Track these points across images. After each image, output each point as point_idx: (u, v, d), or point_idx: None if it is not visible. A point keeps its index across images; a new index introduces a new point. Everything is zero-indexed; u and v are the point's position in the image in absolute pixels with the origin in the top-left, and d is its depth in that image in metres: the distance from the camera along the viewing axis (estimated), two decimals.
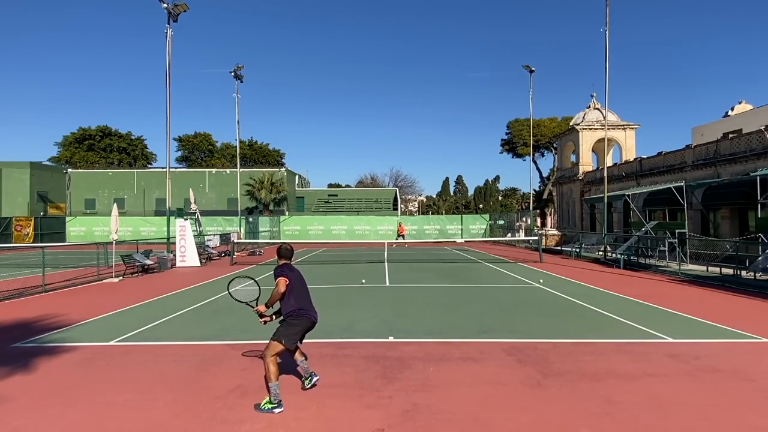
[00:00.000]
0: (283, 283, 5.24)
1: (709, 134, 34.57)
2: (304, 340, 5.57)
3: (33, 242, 35.66)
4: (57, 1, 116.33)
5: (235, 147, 43.57)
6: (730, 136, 25.24)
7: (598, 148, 40.82)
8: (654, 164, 30.07)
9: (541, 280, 15.18)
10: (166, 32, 21.78)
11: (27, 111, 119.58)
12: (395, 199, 59.85)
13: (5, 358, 6.98)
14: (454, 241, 36.91)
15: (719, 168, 23.76)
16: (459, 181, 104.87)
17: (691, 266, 17.60)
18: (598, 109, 41.02)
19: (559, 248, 30.16)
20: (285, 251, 5.58)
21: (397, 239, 36.00)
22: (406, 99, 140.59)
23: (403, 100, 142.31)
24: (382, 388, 5.63)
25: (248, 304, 5.57)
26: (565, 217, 45.66)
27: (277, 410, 4.93)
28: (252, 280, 5.92)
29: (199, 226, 26.95)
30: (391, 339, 7.96)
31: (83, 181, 52.08)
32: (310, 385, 5.56)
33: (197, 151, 71.56)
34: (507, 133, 66.04)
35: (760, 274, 14.14)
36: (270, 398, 5.01)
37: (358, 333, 8.39)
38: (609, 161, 35.53)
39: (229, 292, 5.83)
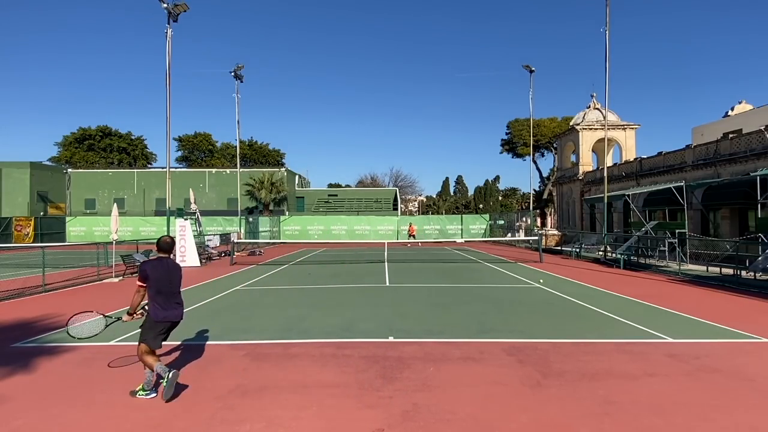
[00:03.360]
0: (137, 287, 5.43)
1: (709, 134, 34.58)
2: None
3: (33, 242, 35.67)
4: (57, 2, 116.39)
5: (235, 147, 43.58)
6: (730, 136, 25.24)
7: (598, 148, 40.84)
8: (654, 164, 30.07)
9: (541, 280, 15.18)
10: (166, 32, 21.78)
11: (27, 111, 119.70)
12: (395, 199, 59.85)
13: (5, 358, 6.98)
14: (454, 241, 36.90)
15: (719, 168, 23.76)
16: (459, 181, 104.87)
17: (691, 266, 17.60)
18: (598, 109, 41.04)
19: (559, 248, 30.16)
20: (163, 244, 5.70)
21: (408, 239, 35.90)
22: (407, 99, 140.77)
23: (403, 100, 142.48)
24: (382, 388, 5.63)
25: (108, 326, 5.84)
26: (565, 217, 45.66)
27: (151, 395, 5.26)
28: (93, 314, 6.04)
29: (199, 226, 26.95)
30: (391, 339, 7.96)
31: (83, 181, 52.07)
32: (167, 383, 5.25)
33: (197, 151, 71.56)
34: (507, 133, 66.09)
35: (760, 274, 14.15)
36: (164, 377, 5.20)
37: (358, 333, 8.39)
38: (609, 161, 35.54)
39: (71, 334, 5.86)
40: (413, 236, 36.81)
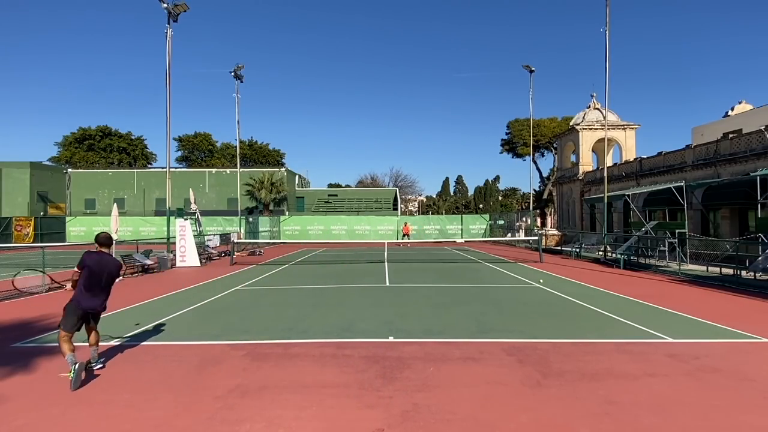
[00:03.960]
0: (72, 273, 6.16)
1: (709, 134, 34.58)
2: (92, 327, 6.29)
3: (33, 242, 35.68)
4: (57, 2, 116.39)
5: (235, 147, 43.58)
6: (730, 136, 25.24)
7: (598, 148, 40.84)
8: (654, 164, 30.07)
9: (541, 280, 15.18)
10: (166, 32, 21.78)
11: (27, 111, 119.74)
12: (395, 199, 59.85)
13: (5, 358, 6.98)
14: (454, 241, 36.91)
15: (719, 168, 23.76)
16: (459, 181, 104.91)
17: (691, 266, 17.60)
18: (598, 109, 41.04)
19: (559, 248, 30.16)
20: (100, 239, 6.37)
21: (402, 239, 35.88)
22: (407, 99, 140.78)
23: (403, 100, 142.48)
24: (382, 388, 5.63)
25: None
26: (565, 217, 45.67)
27: (73, 374, 5.64)
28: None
29: (199, 226, 26.94)
30: (391, 339, 7.96)
31: (83, 181, 52.08)
32: (92, 367, 6.17)
33: (197, 151, 71.58)
34: (507, 133, 66.10)
35: (760, 274, 14.15)
36: (71, 368, 5.68)
37: (358, 333, 8.39)
38: (609, 161, 35.54)
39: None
40: (407, 236, 36.74)
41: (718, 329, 8.64)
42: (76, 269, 6.07)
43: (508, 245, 33.71)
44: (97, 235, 6.42)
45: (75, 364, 5.68)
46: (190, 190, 30.57)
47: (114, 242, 6.37)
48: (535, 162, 61.69)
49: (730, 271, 15.38)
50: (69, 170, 52.44)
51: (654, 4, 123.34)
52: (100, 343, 6.49)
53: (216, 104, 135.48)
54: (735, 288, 13.51)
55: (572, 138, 42.47)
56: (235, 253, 23.41)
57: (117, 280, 6.14)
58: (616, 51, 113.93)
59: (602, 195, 25.56)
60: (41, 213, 45.18)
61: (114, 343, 7.90)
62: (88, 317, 6.15)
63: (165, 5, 21.34)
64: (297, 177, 62.06)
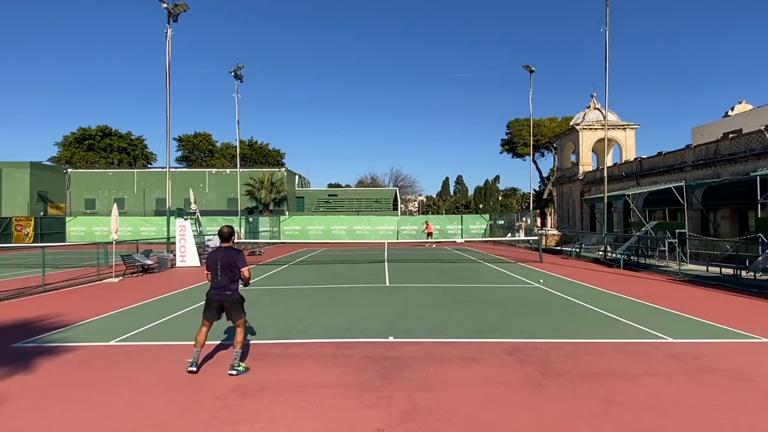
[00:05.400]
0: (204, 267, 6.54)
1: (709, 134, 34.57)
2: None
3: (33, 242, 35.66)
4: (57, 2, 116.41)
5: (235, 147, 43.59)
6: (730, 136, 25.24)
7: (598, 148, 40.84)
8: (654, 164, 30.08)
9: (541, 280, 15.18)
10: (166, 32, 21.78)
11: (27, 111, 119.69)
12: (395, 199, 59.84)
13: (5, 358, 6.98)
14: (454, 241, 36.89)
15: (719, 168, 23.76)
16: (459, 181, 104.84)
17: (691, 266, 17.60)
18: (598, 109, 41.04)
19: (559, 248, 30.16)
20: (219, 233, 6.50)
21: (427, 239, 35.61)
22: (407, 99, 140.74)
23: (403, 99, 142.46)
24: (382, 388, 5.63)
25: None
26: (565, 217, 45.66)
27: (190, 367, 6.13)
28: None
29: (199, 226, 26.96)
30: (391, 339, 7.96)
31: (83, 181, 52.06)
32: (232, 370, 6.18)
33: (197, 151, 71.56)
34: (507, 133, 66.13)
35: (760, 274, 14.14)
36: (188, 363, 6.25)
37: (358, 333, 8.39)
38: (609, 161, 35.53)
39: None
40: (430, 234, 36.51)
41: (718, 329, 8.64)
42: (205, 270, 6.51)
43: (508, 245, 33.70)
44: (218, 230, 6.55)
45: (194, 364, 6.14)
46: (190, 190, 30.58)
47: (233, 237, 6.53)
48: (535, 162, 61.77)
49: (730, 271, 15.38)
50: (69, 170, 52.43)
51: (654, 4, 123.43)
52: (237, 348, 6.31)
53: (216, 104, 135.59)
54: (735, 288, 13.50)
55: (572, 138, 42.48)
56: None
57: (241, 266, 6.23)
58: (616, 51, 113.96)
59: (602, 195, 25.56)
60: (41, 213, 45.17)
61: (114, 343, 7.90)
62: (222, 308, 6.35)
63: (165, 5, 21.34)
64: (297, 177, 62.06)
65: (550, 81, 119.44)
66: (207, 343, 7.87)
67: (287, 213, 48.48)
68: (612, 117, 38.63)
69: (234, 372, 6.08)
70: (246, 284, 6.47)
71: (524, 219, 38.15)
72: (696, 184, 21.34)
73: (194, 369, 6.14)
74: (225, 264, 6.23)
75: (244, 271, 6.31)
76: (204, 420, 4.78)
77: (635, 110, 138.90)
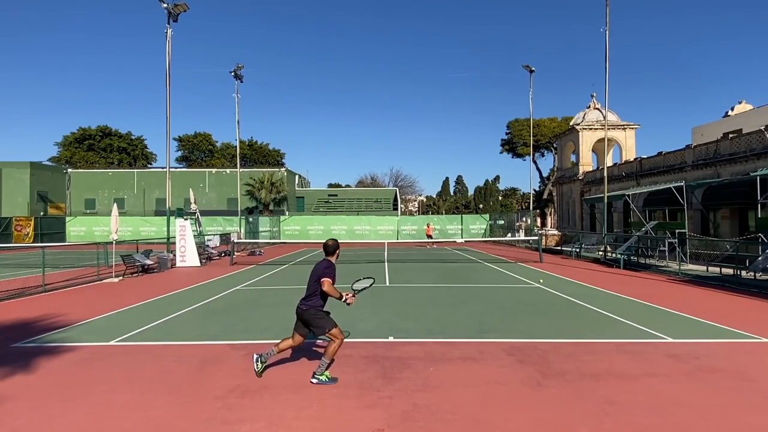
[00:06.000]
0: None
1: (709, 134, 34.57)
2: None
3: (33, 242, 35.66)
4: (57, 2, 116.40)
5: (235, 147, 43.57)
6: (730, 136, 25.24)
7: (598, 148, 40.83)
8: (654, 164, 30.07)
9: (541, 280, 15.18)
10: (166, 32, 21.78)
11: (27, 111, 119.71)
12: (395, 199, 59.85)
13: (5, 358, 6.98)
14: (454, 241, 36.90)
15: (719, 168, 23.76)
16: (459, 181, 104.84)
17: (691, 266, 17.59)
18: (598, 109, 41.03)
19: (559, 248, 30.15)
20: (324, 246, 6.14)
21: (427, 240, 35.69)
22: (407, 99, 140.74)
23: (403, 99, 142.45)
24: (382, 388, 5.63)
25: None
26: (565, 217, 45.66)
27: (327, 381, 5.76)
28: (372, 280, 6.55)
29: (199, 226, 26.95)
30: (391, 339, 7.96)
31: (83, 181, 52.08)
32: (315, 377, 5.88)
33: (197, 151, 71.55)
34: (507, 133, 66.12)
35: (760, 274, 14.14)
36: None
37: (358, 333, 8.39)
38: (609, 161, 35.52)
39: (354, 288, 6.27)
40: (430, 236, 36.60)
41: (718, 329, 8.64)
42: None
43: (508, 245, 33.70)
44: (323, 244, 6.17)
45: (258, 360, 5.97)
46: (190, 190, 30.57)
47: (337, 251, 6.14)
48: (535, 162, 61.76)
49: (730, 271, 15.38)
50: (69, 170, 52.44)
51: (654, 5, 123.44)
52: (277, 352, 6.16)
53: (216, 104, 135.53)
54: (735, 288, 13.50)
55: (572, 138, 42.47)
56: (235, 253, 23.42)
57: (322, 278, 5.76)
58: (617, 51, 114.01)
59: (602, 195, 25.56)
60: (41, 213, 45.18)
61: (114, 343, 7.90)
62: (305, 322, 5.96)
63: (165, 5, 21.34)
64: (297, 177, 62.06)
65: (550, 81, 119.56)
66: (207, 343, 7.90)
67: (287, 213, 48.49)
68: (612, 117, 38.62)
69: (314, 380, 5.76)
70: (327, 296, 5.94)
71: (524, 219, 38.15)
72: (696, 184, 21.34)
73: (256, 367, 5.92)
74: (312, 276, 5.95)
75: (323, 282, 5.75)
76: (204, 420, 4.78)
77: (635, 110, 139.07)
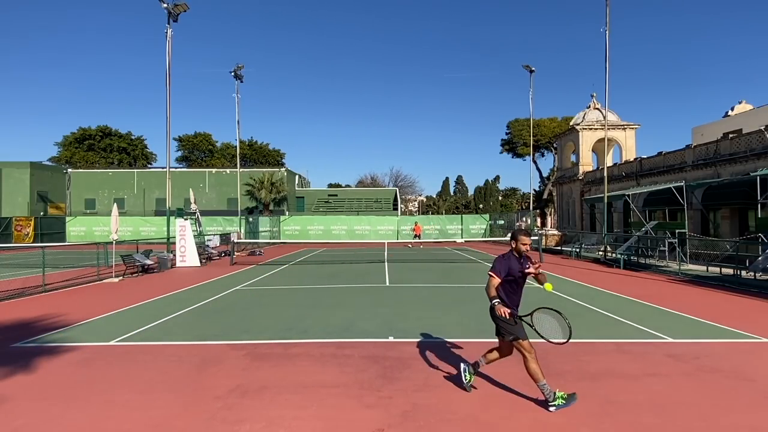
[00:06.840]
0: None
1: (709, 134, 34.58)
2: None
3: (33, 242, 35.67)
4: (57, 2, 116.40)
5: (235, 147, 43.59)
6: (730, 136, 25.23)
7: (598, 148, 40.82)
8: (654, 164, 30.06)
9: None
10: (166, 32, 21.78)
11: (27, 111, 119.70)
12: (395, 199, 59.85)
13: (5, 358, 6.98)
14: (454, 241, 36.89)
15: (719, 168, 23.75)
16: (459, 181, 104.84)
17: (691, 266, 17.59)
18: (598, 109, 41.02)
19: (559, 248, 30.16)
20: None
21: (414, 239, 35.69)
22: (407, 99, 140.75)
23: (403, 100, 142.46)
24: (382, 388, 5.63)
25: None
26: (565, 217, 45.65)
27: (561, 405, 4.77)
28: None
29: (199, 226, 26.95)
30: (391, 339, 7.96)
31: (83, 181, 52.08)
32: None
33: (197, 151, 71.55)
34: (507, 133, 66.11)
35: (760, 274, 14.14)
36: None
37: (358, 333, 8.39)
38: (609, 161, 35.52)
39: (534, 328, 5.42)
40: (418, 236, 36.50)
41: (718, 329, 8.63)
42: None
43: (508, 245, 33.62)
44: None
45: (466, 370, 5.56)
46: (190, 190, 30.58)
47: (517, 235, 5.59)
48: (535, 162, 61.75)
49: (730, 271, 15.38)
50: (69, 170, 52.44)
51: (654, 5, 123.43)
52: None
53: (216, 104, 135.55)
54: (735, 288, 13.50)
55: (572, 138, 42.46)
56: (235, 253, 23.41)
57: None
58: (617, 51, 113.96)
59: (602, 195, 25.56)
60: (41, 213, 45.18)
61: (114, 343, 7.90)
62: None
63: (165, 5, 21.34)
64: (297, 177, 62.06)
65: (550, 81, 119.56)
66: (207, 343, 7.88)
67: (287, 213, 48.49)
68: (612, 117, 38.61)
69: (552, 408, 4.82)
70: (509, 293, 5.31)
71: (524, 219, 38.16)
72: (696, 184, 21.33)
73: (464, 383, 5.44)
74: None
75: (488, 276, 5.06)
76: (204, 420, 4.78)
77: (635, 110, 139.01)
